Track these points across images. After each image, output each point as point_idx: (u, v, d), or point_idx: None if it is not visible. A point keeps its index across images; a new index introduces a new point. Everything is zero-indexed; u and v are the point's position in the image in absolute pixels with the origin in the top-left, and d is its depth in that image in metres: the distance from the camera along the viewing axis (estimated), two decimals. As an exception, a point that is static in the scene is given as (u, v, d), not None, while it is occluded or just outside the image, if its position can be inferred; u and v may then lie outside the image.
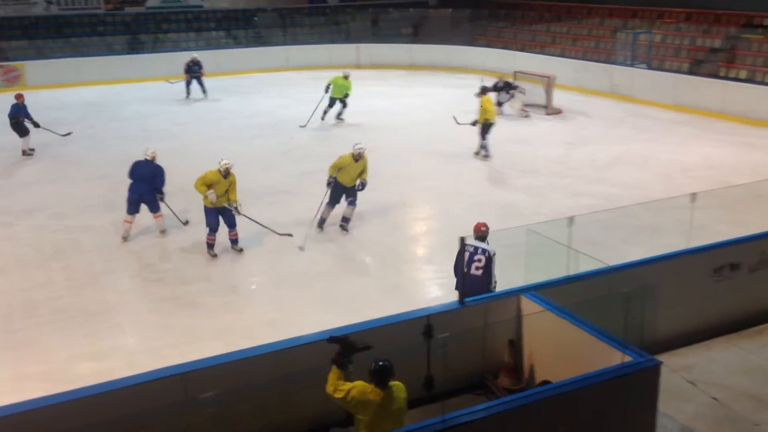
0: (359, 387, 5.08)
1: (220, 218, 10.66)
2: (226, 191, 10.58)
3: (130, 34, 28.22)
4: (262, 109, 21.35)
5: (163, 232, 11.56)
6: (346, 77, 18.95)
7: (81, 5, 28.10)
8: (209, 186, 10.39)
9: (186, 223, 11.85)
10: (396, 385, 5.12)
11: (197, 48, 27.62)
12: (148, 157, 11.41)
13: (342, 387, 5.09)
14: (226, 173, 10.52)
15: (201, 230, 11.34)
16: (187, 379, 5.67)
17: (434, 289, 9.69)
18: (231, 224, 10.77)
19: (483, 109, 15.31)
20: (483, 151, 15.50)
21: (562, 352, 6.67)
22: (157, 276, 10.16)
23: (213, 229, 10.68)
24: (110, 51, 27.26)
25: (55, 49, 26.68)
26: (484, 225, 8.29)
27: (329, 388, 5.15)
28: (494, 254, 8.04)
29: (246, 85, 25.21)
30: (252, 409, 5.94)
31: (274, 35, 30.16)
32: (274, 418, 6.08)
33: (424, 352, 6.34)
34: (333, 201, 11.44)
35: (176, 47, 28.03)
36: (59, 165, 15.69)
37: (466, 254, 7.90)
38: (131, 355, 8.05)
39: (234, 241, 10.87)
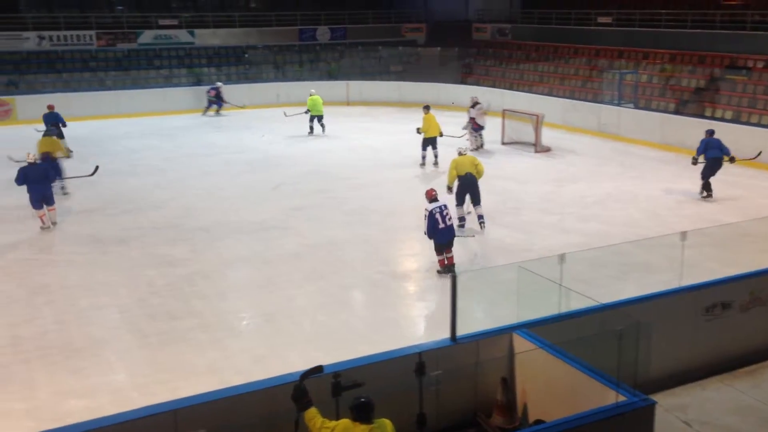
0: (343, 424, 5.11)
1: None
2: None
3: (122, 69, 28.37)
4: (251, 144, 21.42)
5: (54, 224, 13.19)
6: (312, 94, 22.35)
7: (73, 41, 28.22)
8: None
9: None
10: (382, 420, 5.10)
11: (188, 84, 27.91)
12: (31, 161, 13.09)
13: (327, 425, 5.14)
14: None
15: (193, 262, 11.33)
16: (177, 415, 5.60)
17: (426, 325, 9.63)
18: None
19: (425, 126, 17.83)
20: (422, 160, 18.19)
21: (555, 390, 6.63)
22: (146, 311, 10.05)
23: None
24: (101, 86, 27.36)
25: (46, 84, 26.77)
26: (433, 189, 10.97)
27: (314, 430, 5.18)
28: None
29: (236, 121, 25.29)
30: (242, 447, 5.87)
31: (265, 72, 30.42)
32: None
33: (416, 390, 6.30)
34: (460, 201, 13.00)
35: (167, 83, 28.22)
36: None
37: (437, 216, 10.56)
38: (120, 391, 7.93)
39: None
